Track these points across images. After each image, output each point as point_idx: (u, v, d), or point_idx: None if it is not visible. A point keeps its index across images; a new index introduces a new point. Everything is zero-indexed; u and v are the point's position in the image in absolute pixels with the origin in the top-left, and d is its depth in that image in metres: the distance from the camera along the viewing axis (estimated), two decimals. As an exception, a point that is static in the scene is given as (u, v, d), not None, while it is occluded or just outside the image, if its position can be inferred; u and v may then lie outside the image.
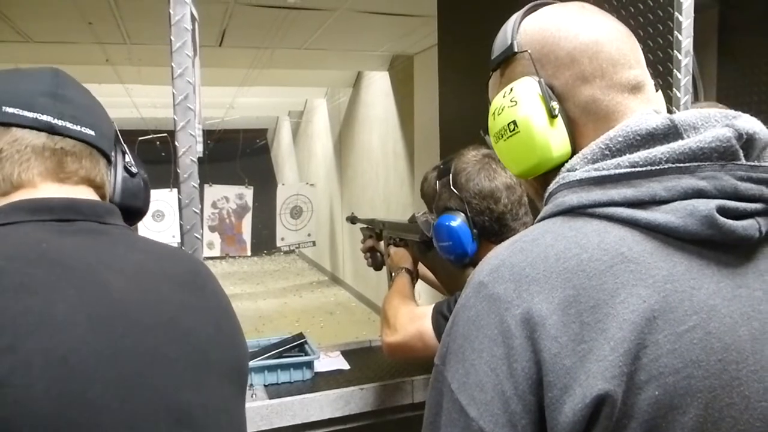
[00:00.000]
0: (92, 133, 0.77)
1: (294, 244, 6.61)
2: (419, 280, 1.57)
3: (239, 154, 9.59)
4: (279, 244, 6.50)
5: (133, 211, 0.86)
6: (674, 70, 1.24)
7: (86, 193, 0.76)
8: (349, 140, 8.02)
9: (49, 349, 0.57)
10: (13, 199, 0.71)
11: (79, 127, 0.75)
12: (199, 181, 1.10)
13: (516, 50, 0.70)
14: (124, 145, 0.87)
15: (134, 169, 0.85)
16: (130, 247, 0.74)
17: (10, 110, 0.72)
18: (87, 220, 0.72)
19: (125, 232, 0.77)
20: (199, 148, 1.09)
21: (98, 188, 0.78)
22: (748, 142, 0.58)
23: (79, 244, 0.68)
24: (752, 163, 0.58)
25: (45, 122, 0.72)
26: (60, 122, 0.73)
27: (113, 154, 0.83)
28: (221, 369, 0.74)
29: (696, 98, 1.78)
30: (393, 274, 1.53)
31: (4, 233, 0.67)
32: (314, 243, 6.74)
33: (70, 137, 0.74)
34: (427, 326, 1.22)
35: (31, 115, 0.72)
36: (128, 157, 0.86)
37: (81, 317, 0.60)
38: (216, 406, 0.72)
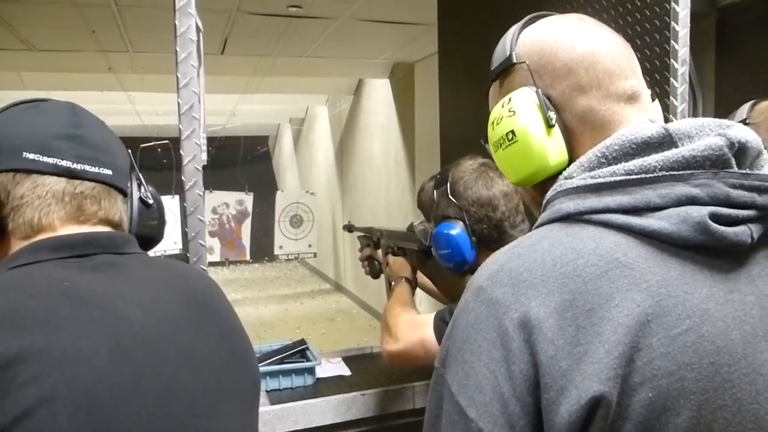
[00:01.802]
0: (110, 172, 0.79)
1: (293, 254, 6.55)
2: (418, 289, 1.57)
3: (240, 160, 9.61)
4: (277, 252, 6.43)
5: (149, 238, 0.89)
6: (671, 79, 1.26)
7: (104, 229, 0.78)
8: (350, 147, 8.04)
9: (73, 381, 0.60)
10: (34, 240, 0.73)
11: (96, 168, 0.77)
12: (203, 188, 1.12)
13: (514, 61, 0.72)
14: (140, 174, 0.89)
15: (150, 201, 0.88)
16: (146, 277, 0.76)
17: (30, 156, 0.73)
18: (106, 253, 0.75)
19: (142, 260, 0.79)
20: (204, 156, 1.11)
21: (116, 226, 0.80)
22: (740, 150, 0.60)
23: (99, 280, 0.70)
24: (744, 171, 0.59)
25: (64, 168, 0.74)
26: (79, 166, 0.75)
27: (129, 185, 0.85)
28: (236, 392, 0.77)
29: (694, 105, 1.81)
30: (392, 283, 1.53)
31: (29, 272, 0.69)
32: (315, 254, 6.67)
33: (89, 180, 0.76)
34: (428, 334, 1.23)
35: (50, 161, 0.74)
36: (143, 188, 0.88)
37: (103, 350, 0.63)
38: (232, 429, 0.75)
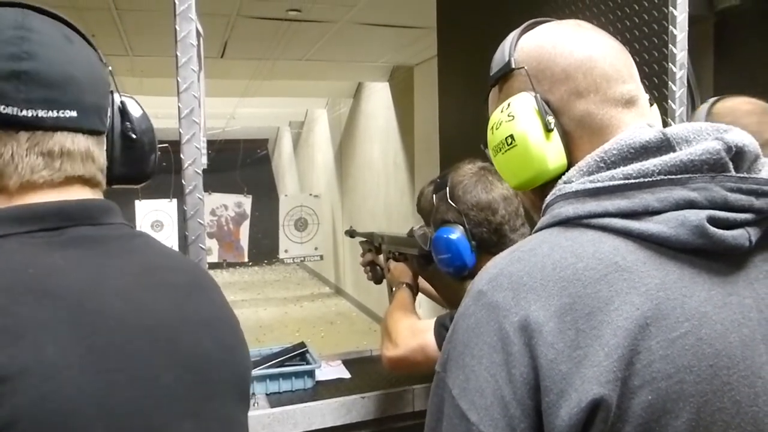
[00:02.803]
0: (73, 114, 0.63)
1: (299, 257, 6.44)
2: (420, 293, 1.57)
3: (240, 164, 9.62)
4: (282, 255, 6.33)
5: (136, 178, 0.76)
6: (669, 83, 1.27)
7: (77, 192, 0.65)
8: (349, 150, 8.05)
9: (39, 402, 0.51)
10: None
11: (54, 112, 0.61)
12: (203, 192, 1.12)
13: (513, 67, 0.72)
14: (123, 99, 0.73)
15: (134, 134, 0.73)
16: (126, 256, 0.65)
17: None
18: (79, 225, 0.62)
19: (122, 234, 0.67)
20: (204, 160, 1.11)
21: (89, 182, 0.67)
22: (738, 154, 0.60)
23: (70, 262, 0.60)
24: (742, 175, 0.60)
25: (9, 117, 0.59)
26: (30, 113, 0.60)
27: (109, 117, 0.70)
28: (223, 388, 0.69)
29: (693, 109, 1.81)
30: (393, 288, 1.53)
31: None
32: (322, 257, 6.56)
33: (45, 129, 0.61)
34: (429, 339, 1.22)
35: None
36: (128, 117, 0.73)
37: (73, 358, 0.54)
38: (218, 429, 0.68)
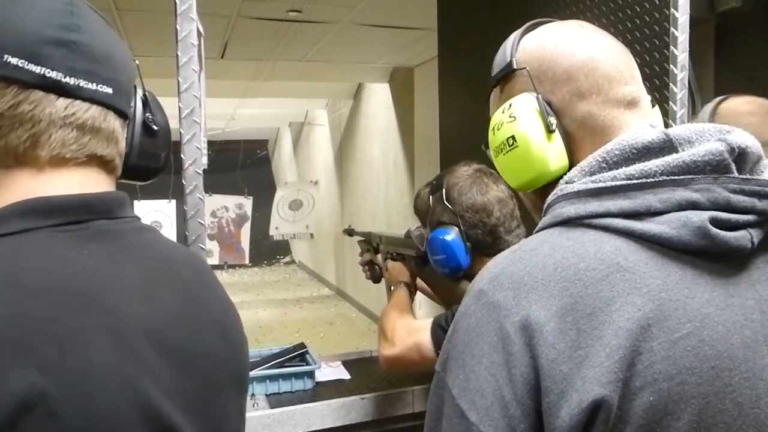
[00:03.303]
0: (109, 91, 0.64)
1: (288, 234, 6.34)
2: (418, 293, 1.58)
3: (240, 164, 9.62)
4: (272, 232, 6.24)
5: (150, 169, 0.77)
6: (670, 84, 1.27)
7: (95, 178, 0.65)
8: (349, 151, 8.05)
9: (87, 412, 0.51)
10: (15, 180, 0.60)
11: (94, 85, 0.62)
12: (204, 192, 1.12)
13: (515, 67, 0.72)
14: (146, 90, 0.75)
15: (155, 126, 0.74)
16: (141, 251, 0.66)
17: (13, 61, 0.57)
18: (101, 218, 0.63)
19: (136, 228, 0.68)
20: (204, 160, 1.11)
21: (108, 164, 0.67)
22: (740, 155, 0.60)
23: (97, 259, 0.60)
24: (744, 176, 0.60)
25: (53, 81, 0.59)
26: (72, 80, 0.60)
27: (133, 105, 0.71)
28: (229, 384, 0.71)
29: (693, 111, 1.80)
30: (392, 288, 1.54)
31: (17, 248, 0.56)
32: (312, 235, 6.47)
33: (83, 99, 0.61)
34: (425, 339, 1.22)
35: (38, 70, 0.58)
36: (149, 108, 0.74)
37: (112, 364, 0.54)
38: (225, 425, 0.70)
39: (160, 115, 0.76)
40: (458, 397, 0.58)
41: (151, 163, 0.76)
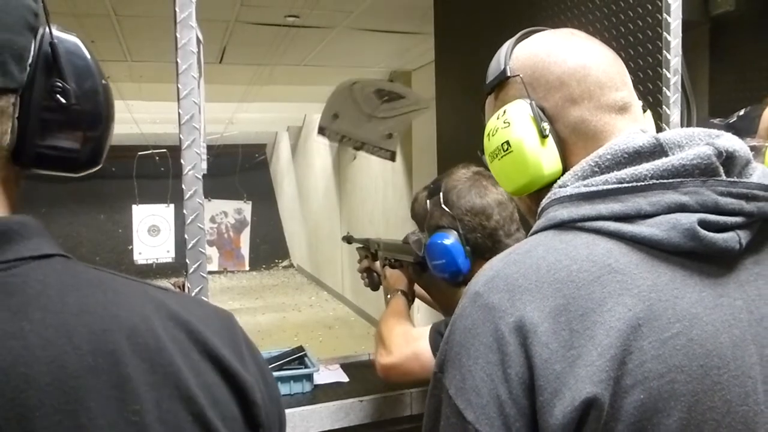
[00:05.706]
0: None
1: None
2: (417, 300, 1.56)
3: (238, 169, 9.62)
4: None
5: (70, 161, 0.52)
6: (663, 88, 1.28)
7: None
8: (347, 155, 8.06)
9: None
10: None
11: None
12: (203, 197, 1.13)
13: (509, 75, 0.74)
14: (55, 40, 0.49)
15: (63, 98, 0.49)
16: (40, 331, 0.45)
17: None
18: None
19: (41, 279, 0.45)
20: (204, 165, 1.12)
21: None
22: (728, 159, 0.62)
23: None
24: (732, 179, 0.61)
25: None
26: None
27: (29, 67, 0.48)
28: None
29: (689, 113, 1.82)
30: (389, 295, 1.51)
31: None
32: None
33: None
34: (423, 347, 1.20)
35: None
36: (59, 67, 0.49)
37: None
38: None
39: (80, 76, 0.51)
40: (455, 396, 0.59)
41: (61, 149, 0.51)
